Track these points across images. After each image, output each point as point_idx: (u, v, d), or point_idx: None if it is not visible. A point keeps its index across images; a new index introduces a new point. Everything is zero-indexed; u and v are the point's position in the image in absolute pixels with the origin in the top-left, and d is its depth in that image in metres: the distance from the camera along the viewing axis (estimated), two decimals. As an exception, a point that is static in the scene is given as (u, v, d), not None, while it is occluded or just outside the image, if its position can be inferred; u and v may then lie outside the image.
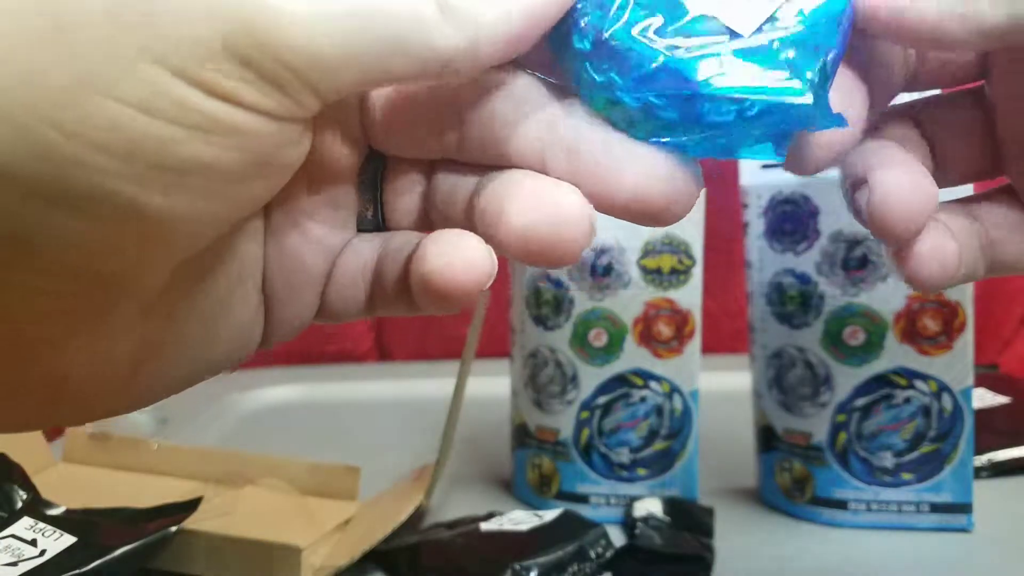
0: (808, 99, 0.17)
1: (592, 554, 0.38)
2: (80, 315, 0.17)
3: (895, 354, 0.41)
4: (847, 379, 0.42)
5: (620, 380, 0.44)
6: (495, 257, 0.18)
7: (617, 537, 0.41)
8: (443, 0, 0.16)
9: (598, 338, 0.44)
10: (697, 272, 0.43)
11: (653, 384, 0.43)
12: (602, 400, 0.44)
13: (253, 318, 0.21)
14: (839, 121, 0.18)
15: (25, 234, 0.15)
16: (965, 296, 0.40)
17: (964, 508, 0.41)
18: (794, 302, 0.43)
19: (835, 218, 0.41)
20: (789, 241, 0.43)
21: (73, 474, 0.48)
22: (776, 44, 0.17)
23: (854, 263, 0.41)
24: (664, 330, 0.43)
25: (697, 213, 0.43)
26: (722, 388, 0.53)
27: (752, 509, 0.45)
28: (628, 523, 0.42)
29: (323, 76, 0.16)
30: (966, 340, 0.41)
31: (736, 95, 0.17)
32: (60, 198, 0.15)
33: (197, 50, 0.15)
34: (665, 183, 0.18)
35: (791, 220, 0.42)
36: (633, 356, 0.43)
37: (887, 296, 0.41)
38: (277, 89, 0.16)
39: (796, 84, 0.17)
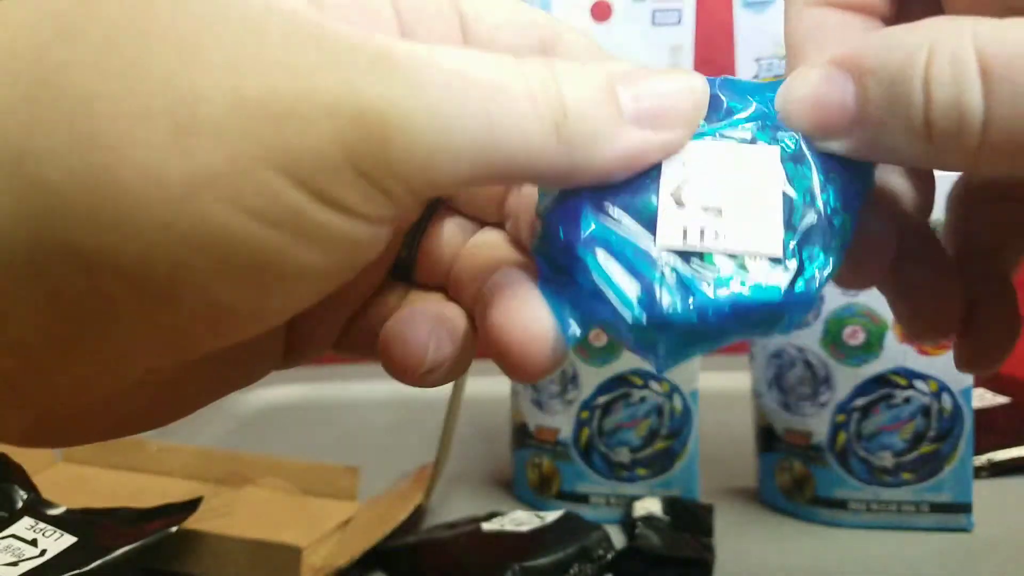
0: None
1: (593, 556, 0.38)
2: (134, 358, 0.17)
3: (895, 354, 0.41)
4: (847, 379, 0.42)
5: (620, 380, 0.44)
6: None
7: (617, 537, 0.41)
8: (564, 129, 0.16)
9: (598, 338, 0.44)
10: (697, 272, 0.43)
11: (653, 384, 0.44)
12: (602, 400, 0.44)
13: (274, 347, 0.21)
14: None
15: (111, 312, 0.15)
16: (965, 296, 0.40)
17: (964, 508, 0.41)
18: (794, 302, 0.43)
19: (835, 218, 0.41)
20: (789, 241, 0.43)
21: (74, 474, 0.48)
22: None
23: (854, 263, 0.41)
24: (664, 330, 0.43)
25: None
26: (722, 388, 0.53)
27: (752, 509, 0.45)
28: (628, 523, 0.42)
29: (429, 186, 0.16)
30: (966, 340, 0.41)
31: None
32: (152, 289, 0.14)
33: (319, 160, 0.14)
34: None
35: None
36: (633, 356, 0.43)
37: (887, 296, 0.41)
38: (385, 197, 0.15)
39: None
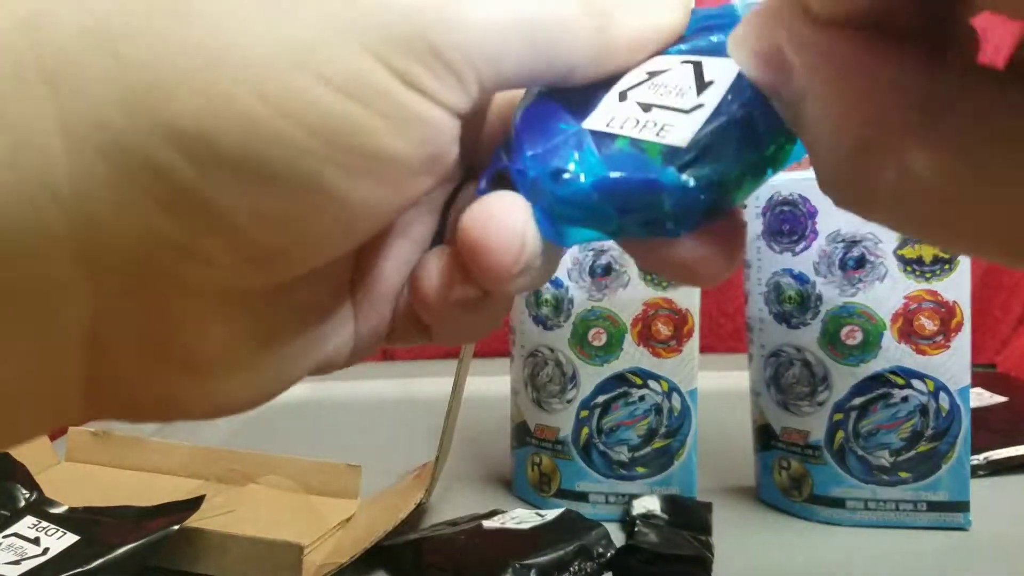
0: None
1: (593, 553, 0.38)
2: (232, 291, 0.17)
3: (892, 353, 0.41)
4: (844, 378, 0.42)
5: (619, 379, 0.44)
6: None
7: (616, 535, 0.41)
8: (603, 20, 0.18)
9: (597, 337, 0.44)
10: (696, 272, 0.43)
11: (652, 383, 0.44)
12: (601, 399, 0.44)
13: (345, 328, 0.21)
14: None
15: (219, 203, 0.15)
16: (963, 296, 0.41)
17: (961, 507, 0.42)
18: (792, 302, 0.43)
19: (832, 219, 0.42)
20: (787, 241, 0.43)
21: (76, 473, 0.48)
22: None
23: (851, 263, 0.41)
24: (663, 329, 0.43)
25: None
26: (720, 387, 0.54)
27: (750, 507, 0.46)
28: (627, 521, 0.42)
29: (489, 70, 0.17)
30: (963, 340, 0.41)
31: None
32: (253, 170, 0.15)
33: (400, 41, 0.15)
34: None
35: (789, 221, 0.43)
36: (632, 355, 0.44)
37: (884, 296, 0.41)
38: (457, 81, 0.16)
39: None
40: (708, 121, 0.18)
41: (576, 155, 0.18)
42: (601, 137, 0.18)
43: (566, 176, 0.18)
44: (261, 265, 0.17)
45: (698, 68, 0.19)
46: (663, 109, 0.18)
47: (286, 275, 0.18)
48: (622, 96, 0.19)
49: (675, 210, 0.17)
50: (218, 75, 0.14)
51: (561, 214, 0.18)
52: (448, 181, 0.22)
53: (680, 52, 0.19)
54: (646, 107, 0.18)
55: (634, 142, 0.18)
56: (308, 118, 0.15)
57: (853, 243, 0.41)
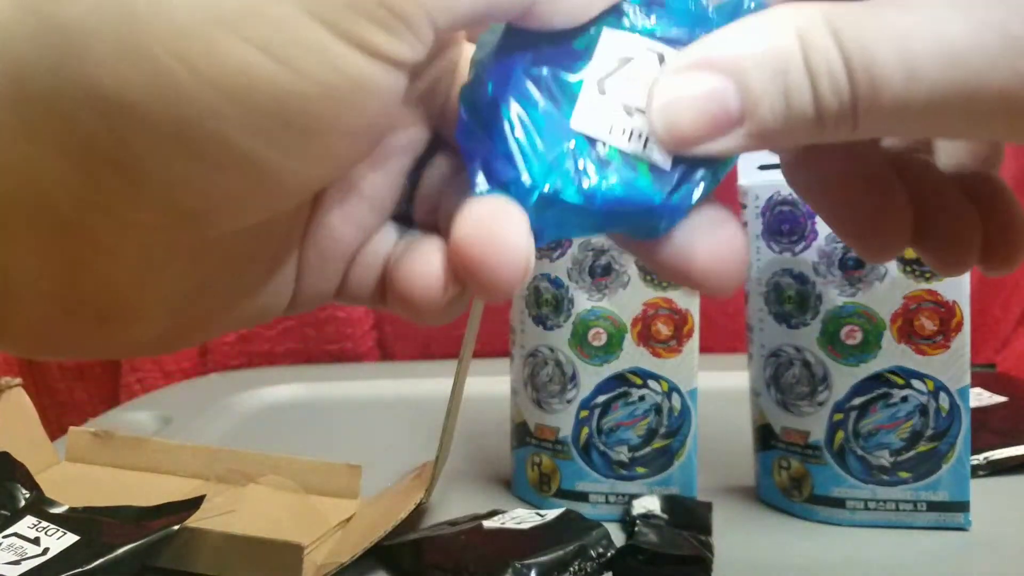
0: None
1: (593, 553, 0.38)
2: (157, 247, 0.17)
3: (892, 353, 0.41)
4: (844, 378, 0.42)
5: (619, 379, 0.44)
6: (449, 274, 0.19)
7: (616, 535, 0.41)
8: None
9: (597, 337, 0.44)
10: (696, 272, 0.43)
11: (652, 383, 0.44)
12: (601, 399, 0.44)
13: (286, 281, 0.21)
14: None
15: (135, 166, 0.15)
16: (962, 296, 0.41)
17: (961, 507, 0.42)
18: (792, 302, 0.43)
19: (833, 218, 0.42)
20: (787, 241, 0.43)
21: (76, 473, 0.48)
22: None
23: (851, 263, 0.41)
24: (663, 329, 0.43)
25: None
26: (720, 387, 0.54)
27: (750, 507, 0.46)
28: (627, 521, 0.42)
29: (444, 14, 0.16)
30: (963, 339, 0.41)
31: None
32: (176, 137, 0.14)
33: None
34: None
35: (789, 220, 0.43)
36: (632, 355, 0.44)
37: (884, 296, 0.41)
38: (408, 29, 0.15)
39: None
40: None
41: (578, 175, 0.19)
42: (592, 144, 0.19)
43: (572, 197, 0.19)
44: (180, 224, 0.16)
45: (663, 63, 0.19)
46: (643, 115, 0.19)
47: (210, 234, 0.17)
48: (601, 88, 0.19)
49: (664, 223, 0.19)
50: (140, 36, 0.14)
51: (556, 223, 0.19)
52: (410, 146, 0.21)
53: (645, 33, 0.20)
54: (628, 110, 0.19)
55: (624, 155, 0.19)
56: (230, 83, 0.14)
57: (853, 243, 0.41)
